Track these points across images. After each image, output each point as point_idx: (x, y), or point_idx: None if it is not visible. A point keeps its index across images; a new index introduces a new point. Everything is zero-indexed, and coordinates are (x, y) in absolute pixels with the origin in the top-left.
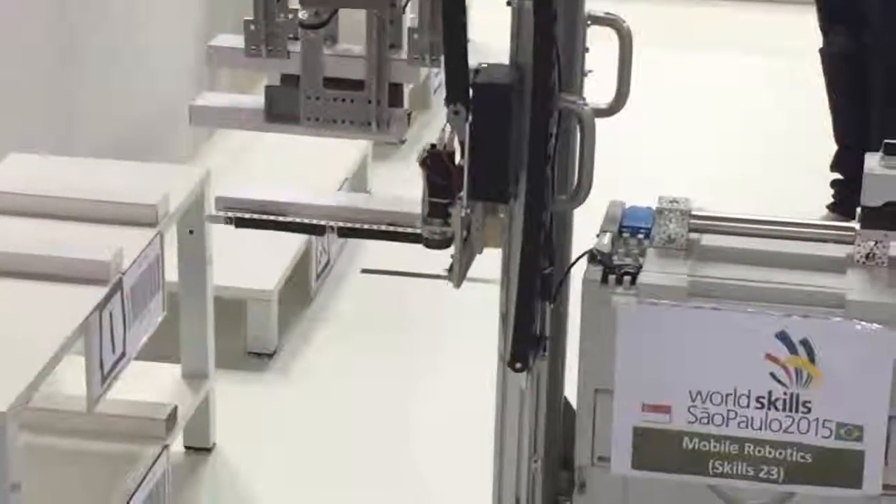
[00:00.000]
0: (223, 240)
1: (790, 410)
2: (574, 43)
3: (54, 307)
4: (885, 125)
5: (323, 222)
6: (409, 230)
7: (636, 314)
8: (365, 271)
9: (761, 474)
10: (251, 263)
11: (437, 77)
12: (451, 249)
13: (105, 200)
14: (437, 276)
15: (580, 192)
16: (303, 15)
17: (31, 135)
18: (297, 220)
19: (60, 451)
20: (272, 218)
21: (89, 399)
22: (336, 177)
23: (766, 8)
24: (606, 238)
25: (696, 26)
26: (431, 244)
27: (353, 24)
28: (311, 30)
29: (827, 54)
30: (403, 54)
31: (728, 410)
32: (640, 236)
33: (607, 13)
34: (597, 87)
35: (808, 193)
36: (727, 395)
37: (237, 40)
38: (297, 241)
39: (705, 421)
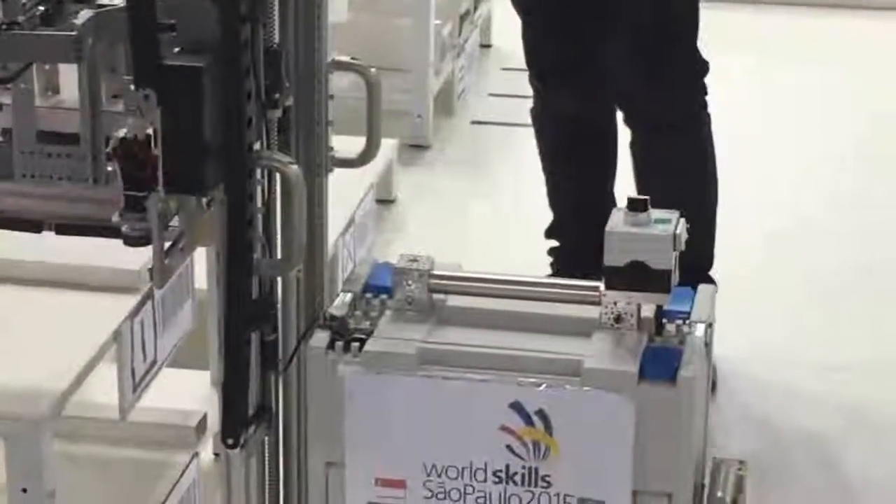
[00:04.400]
0: None
1: (529, 485)
2: (312, 93)
3: (86, 316)
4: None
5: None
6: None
7: (363, 384)
8: None
9: None
10: None
11: (461, 82)
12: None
13: None
14: None
15: (291, 258)
16: None
17: None
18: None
19: (93, 458)
20: None
21: (121, 407)
22: (362, 183)
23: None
24: (339, 300)
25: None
26: (129, 241)
27: None
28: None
29: (543, 117)
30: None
31: (465, 485)
32: (384, 297)
33: (353, 58)
34: None
35: None
36: (463, 469)
37: None
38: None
39: (442, 496)
